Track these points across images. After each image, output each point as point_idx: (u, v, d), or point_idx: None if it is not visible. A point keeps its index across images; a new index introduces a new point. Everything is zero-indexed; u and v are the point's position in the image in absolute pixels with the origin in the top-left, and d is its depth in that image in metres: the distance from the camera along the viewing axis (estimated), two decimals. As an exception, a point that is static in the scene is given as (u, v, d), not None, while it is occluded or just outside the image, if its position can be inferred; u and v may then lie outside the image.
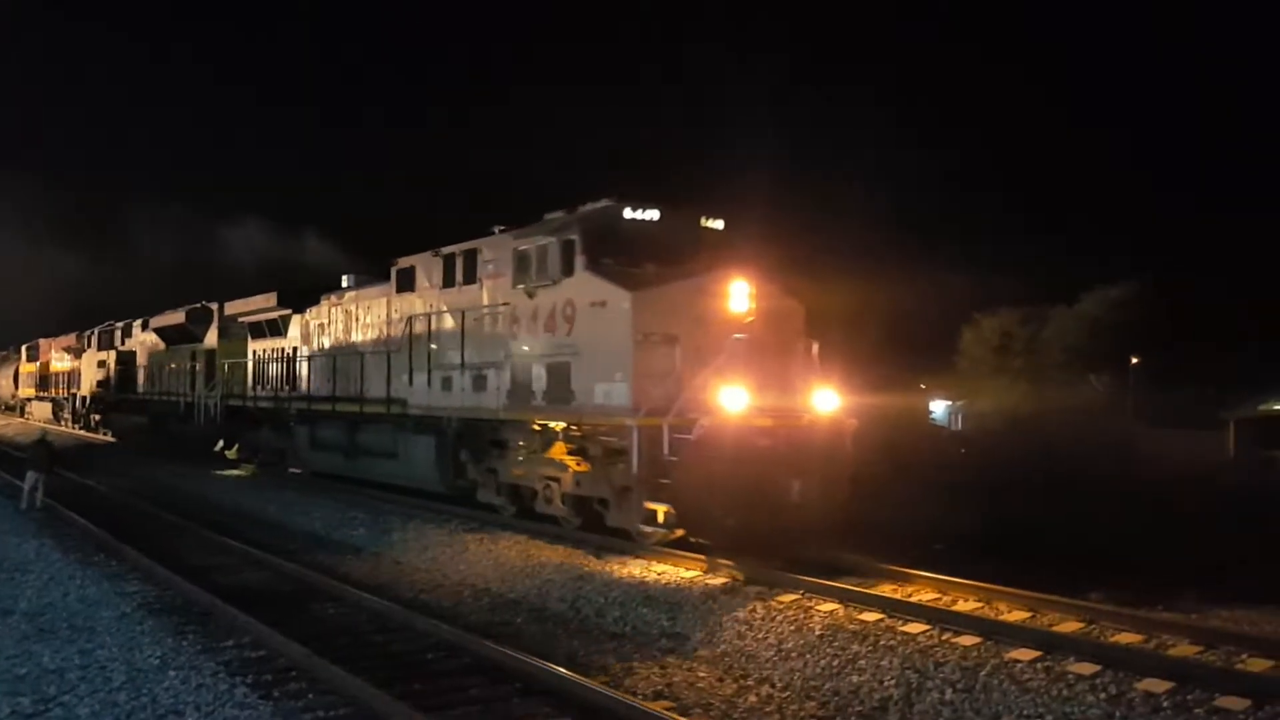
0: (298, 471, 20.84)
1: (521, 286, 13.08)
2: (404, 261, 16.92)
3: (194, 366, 26.94)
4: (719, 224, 12.86)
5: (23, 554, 12.28)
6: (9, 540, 13.25)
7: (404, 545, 13.26)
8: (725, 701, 7.33)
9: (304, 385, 20.11)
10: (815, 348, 11.50)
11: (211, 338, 26.10)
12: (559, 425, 12.64)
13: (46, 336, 50.29)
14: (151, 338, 31.01)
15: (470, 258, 14.93)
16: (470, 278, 14.89)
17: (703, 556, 10.93)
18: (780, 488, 10.61)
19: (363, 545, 13.57)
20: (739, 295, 11.47)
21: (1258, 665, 7.49)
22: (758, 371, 10.94)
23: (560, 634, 9.08)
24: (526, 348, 12.99)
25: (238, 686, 7.08)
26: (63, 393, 44.20)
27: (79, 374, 40.29)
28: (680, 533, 11.36)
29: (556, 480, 12.82)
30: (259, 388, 22.63)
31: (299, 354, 20.71)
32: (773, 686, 7.69)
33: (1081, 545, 12.43)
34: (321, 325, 19.91)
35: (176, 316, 27.46)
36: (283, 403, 20.64)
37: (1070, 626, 8.58)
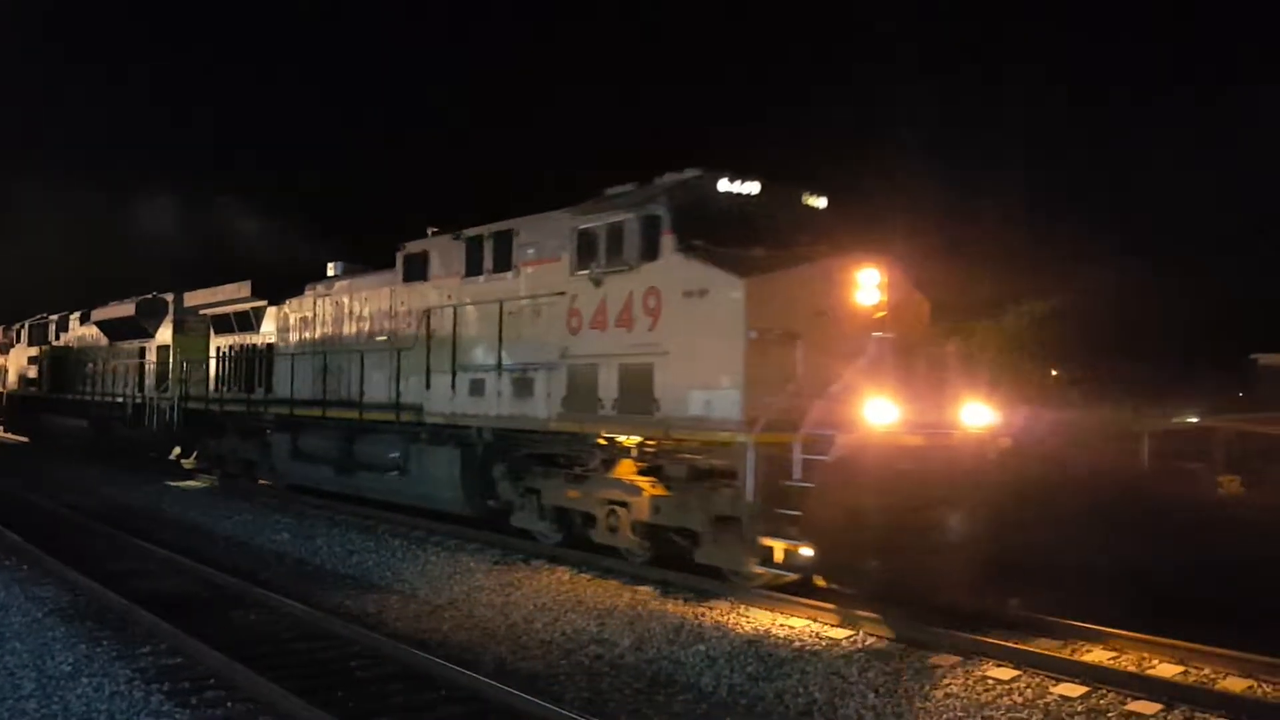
0: (265, 483, 18.32)
1: (585, 273, 10.92)
2: (414, 246, 14.62)
3: (144, 364, 24.14)
4: (822, 201, 10.87)
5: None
6: None
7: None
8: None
9: (283, 387, 17.61)
10: (955, 350, 9.53)
11: (165, 333, 23.33)
12: (632, 440, 10.51)
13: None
14: (92, 332, 27.98)
15: (503, 241, 12.72)
16: (503, 264, 12.68)
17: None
18: (933, 521, 8.64)
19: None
20: (869, 285, 9.49)
21: None
22: (902, 379, 8.95)
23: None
24: (590, 347, 10.83)
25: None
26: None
27: (5, 372, 36.79)
28: (791, 577, 9.31)
29: (624, 505, 10.66)
30: (223, 388, 20.01)
31: (276, 351, 18.19)
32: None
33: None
34: (305, 319, 17.45)
35: (124, 308, 24.58)
36: (255, 406, 18.10)
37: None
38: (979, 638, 8.05)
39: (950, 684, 7.21)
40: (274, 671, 7.16)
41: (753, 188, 10.35)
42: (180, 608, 9.19)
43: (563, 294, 11.30)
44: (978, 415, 9.23)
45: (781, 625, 8.76)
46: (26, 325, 33.48)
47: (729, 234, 10.00)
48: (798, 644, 8.20)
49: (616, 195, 10.98)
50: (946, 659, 7.77)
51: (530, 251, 12.28)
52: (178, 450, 21.26)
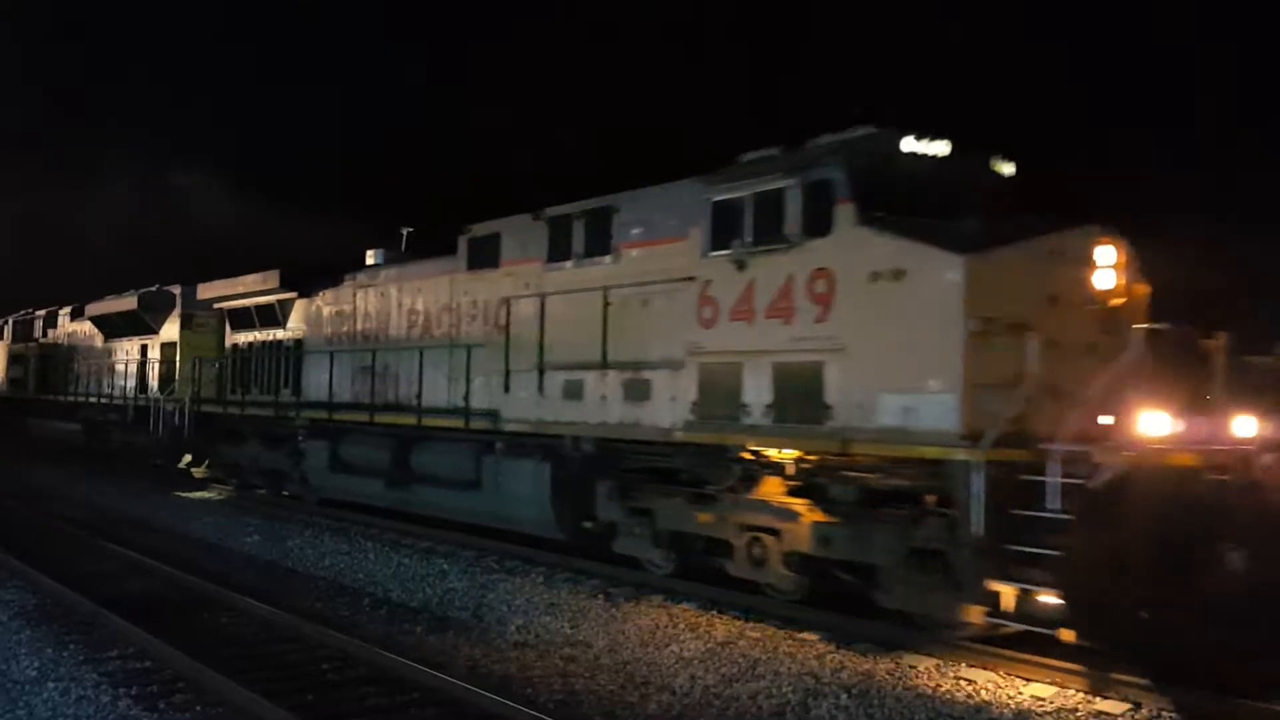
0: (288, 495, 16.35)
1: (723, 254, 9.09)
2: (482, 229, 12.75)
3: (146, 363, 22.06)
4: (1010, 167, 9.10)
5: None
6: None
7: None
8: None
9: (317, 388, 15.66)
10: (1223, 345, 7.74)
11: (171, 329, 21.26)
12: (788, 455, 8.69)
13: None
14: (85, 328, 25.83)
15: (598, 220, 10.90)
16: (598, 246, 10.86)
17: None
18: (1212, 560, 6.86)
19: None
20: (1106, 265, 7.71)
21: None
22: (1168, 383, 7.17)
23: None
24: (730, 341, 8.99)
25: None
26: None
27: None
28: (1011, 628, 7.50)
29: (774, 533, 8.83)
30: (240, 390, 18.01)
31: (306, 348, 16.24)
32: None
33: None
34: (342, 313, 15.51)
35: (124, 302, 22.46)
36: (284, 410, 16.13)
37: None
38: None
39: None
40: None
41: (942, 148, 8.57)
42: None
43: (690, 279, 9.46)
44: (1247, 427, 7.46)
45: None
46: (10, 321, 31.17)
47: (918, 204, 8.20)
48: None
49: (760, 160, 9.15)
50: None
51: (636, 231, 10.46)
52: (188, 458, 19.22)
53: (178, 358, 20.70)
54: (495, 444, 11.91)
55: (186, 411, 18.65)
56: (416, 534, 13.43)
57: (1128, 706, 6.64)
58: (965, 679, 7.22)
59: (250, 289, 17.53)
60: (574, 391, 10.80)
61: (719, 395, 9.07)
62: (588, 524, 10.91)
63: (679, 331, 9.56)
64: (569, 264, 11.29)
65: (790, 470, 8.69)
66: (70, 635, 8.35)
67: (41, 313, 29.05)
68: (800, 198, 8.48)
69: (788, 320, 8.50)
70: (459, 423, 12.32)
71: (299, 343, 16.58)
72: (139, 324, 22.05)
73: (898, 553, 7.84)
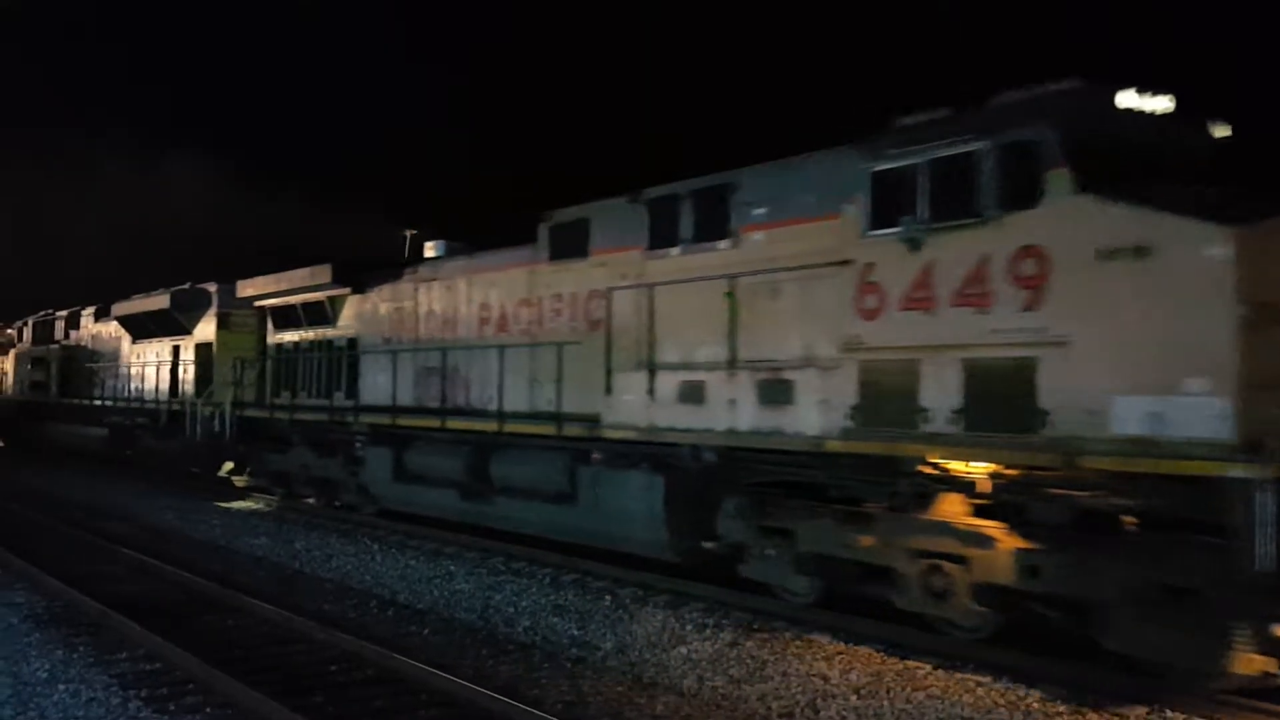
0: (341, 506, 15.08)
1: (890, 232, 7.77)
2: (566, 215, 11.48)
3: (178, 365, 20.84)
4: (1227, 130, 7.76)
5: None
6: None
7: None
8: None
9: (376, 391, 14.40)
10: None
11: (206, 328, 20.06)
12: (980, 468, 7.38)
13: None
14: (111, 329, 24.65)
15: (713, 201, 9.63)
16: (714, 230, 9.59)
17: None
18: None
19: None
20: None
21: None
22: None
23: None
24: (903, 335, 7.67)
25: None
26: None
27: (4, 375, 33.38)
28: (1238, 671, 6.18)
29: (959, 561, 7.52)
30: (286, 393, 16.76)
31: (362, 348, 14.97)
32: None
33: None
34: (403, 309, 14.23)
35: (154, 301, 21.24)
36: (340, 415, 14.85)
37: None
38: None
39: None
40: None
41: (1163, 104, 7.24)
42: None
43: (845, 263, 8.15)
44: None
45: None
46: (30, 323, 30.01)
47: (1135, 170, 6.88)
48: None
49: (934, 122, 7.83)
50: None
51: (761, 211, 9.18)
52: (229, 466, 17.97)
53: (214, 359, 19.49)
54: (592, 453, 10.62)
55: (227, 416, 17.39)
56: (422, 535, 13.34)
57: None
58: (975, 680, 7.00)
59: (297, 285, 16.25)
60: (693, 394, 9.50)
61: (888, 398, 7.75)
62: (708, 544, 9.62)
63: (828, 324, 8.25)
64: (675, 251, 10.02)
65: (983, 486, 7.37)
66: (79, 637, 8.39)
67: (63, 313, 27.88)
68: (996, 163, 7.15)
69: (983, 308, 7.18)
70: (549, 429, 11.03)
71: (352, 342, 15.30)
72: (171, 324, 20.83)
73: (1134, 588, 6.52)
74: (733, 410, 9.08)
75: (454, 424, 12.49)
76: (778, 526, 8.92)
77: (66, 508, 16.80)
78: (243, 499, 17.75)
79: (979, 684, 6.94)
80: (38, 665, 7.49)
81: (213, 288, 19.81)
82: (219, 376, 19.12)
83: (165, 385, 21.16)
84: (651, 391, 9.92)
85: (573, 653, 8.07)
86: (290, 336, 16.92)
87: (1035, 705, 6.54)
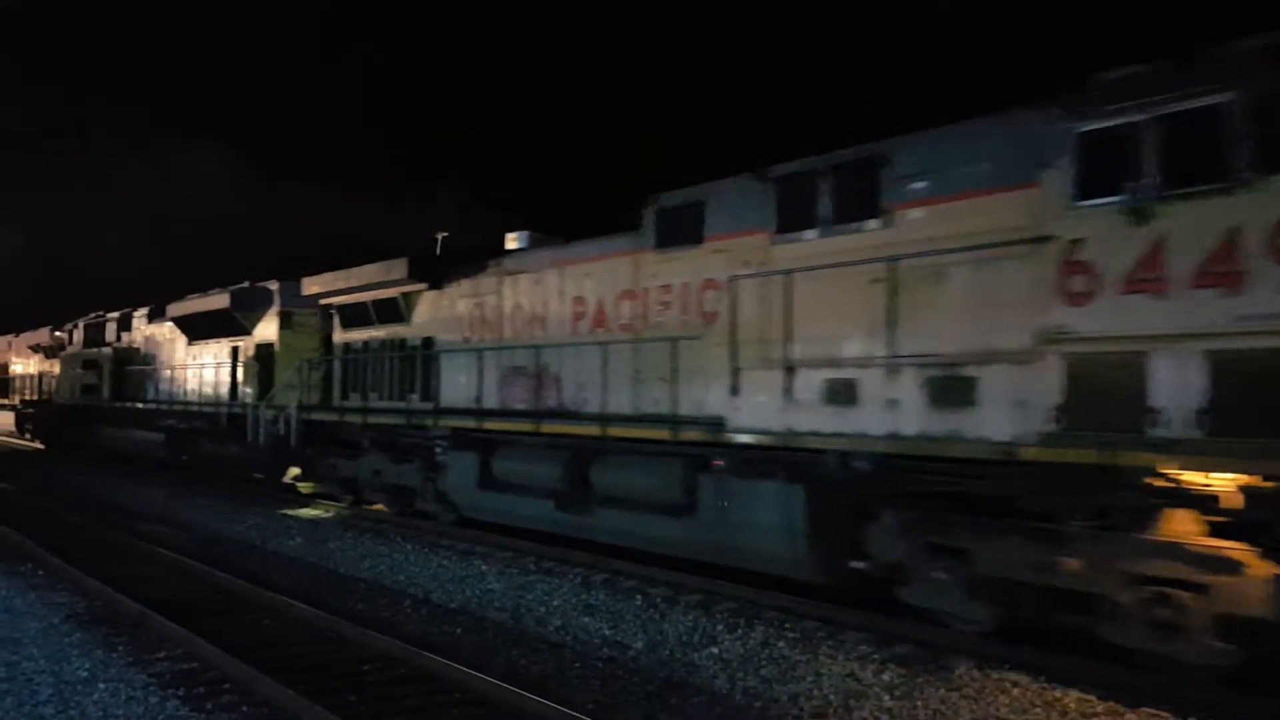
0: (416, 514, 14.11)
1: (1107, 201, 6.64)
2: (675, 198, 10.45)
3: (237, 367, 20.05)
4: None
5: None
6: None
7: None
8: None
9: (458, 392, 13.45)
10: None
11: (267, 328, 19.22)
12: (1225, 480, 6.22)
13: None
14: (165, 330, 23.93)
15: (859, 176, 8.55)
16: (862, 209, 8.51)
17: None
18: None
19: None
20: None
21: None
22: None
23: None
24: (1124, 323, 6.53)
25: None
26: (30, 399, 36.64)
27: (54, 378, 32.90)
28: None
29: (1196, 589, 6.35)
30: (355, 395, 15.87)
31: (440, 347, 14.02)
32: None
33: None
34: (484, 305, 13.27)
35: (212, 301, 20.45)
36: (418, 418, 13.89)
37: None
38: None
39: None
40: None
41: None
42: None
43: (1042, 240, 7.02)
44: None
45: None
46: (81, 325, 29.43)
47: None
48: None
49: (1153, 75, 6.68)
50: None
51: (920, 185, 8.08)
52: (295, 471, 17.08)
53: (276, 360, 18.64)
54: (714, 460, 9.55)
55: (293, 420, 16.52)
56: (454, 535, 13.26)
57: None
58: (1010, 679, 6.88)
59: (369, 281, 15.34)
60: (843, 394, 8.40)
61: (1104, 397, 6.61)
62: (856, 564, 8.51)
63: (1019, 311, 7.14)
64: (811, 234, 8.95)
65: (1230, 501, 6.22)
66: (118, 637, 8.42)
67: (114, 314, 27.27)
68: (1251, 118, 6.01)
69: (1233, 290, 6.03)
70: (662, 433, 9.97)
71: (428, 341, 14.36)
72: (229, 324, 20.02)
73: None
74: (894, 412, 7.98)
75: (549, 428, 11.48)
76: (949, 545, 7.79)
77: (112, 512, 16.45)
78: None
79: (1014, 684, 6.82)
80: (78, 665, 7.55)
81: (274, 286, 18.98)
82: (281, 378, 18.27)
83: (224, 388, 20.38)
84: (788, 391, 8.84)
85: (604, 652, 8.06)
86: (359, 335, 16.02)
87: (1072, 705, 6.40)
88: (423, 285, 14.32)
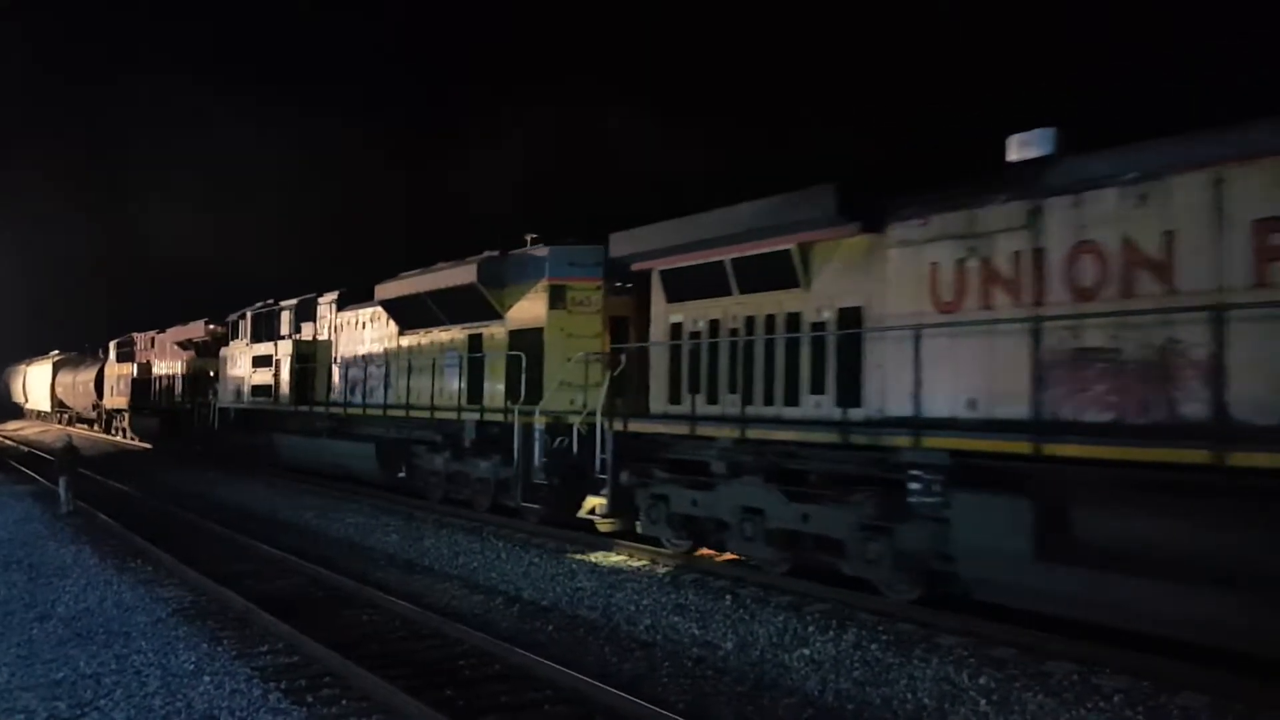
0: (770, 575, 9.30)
1: None
2: None
3: (484, 361, 15.48)
4: None
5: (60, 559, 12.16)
6: (48, 546, 13.10)
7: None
8: None
9: (937, 391, 8.45)
10: None
11: (530, 308, 14.48)
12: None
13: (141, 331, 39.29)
14: (365, 317, 19.68)
15: None
16: None
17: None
18: None
19: None
20: None
21: None
22: None
23: None
24: None
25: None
26: (179, 403, 33.06)
27: (212, 378, 29.17)
28: None
29: None
30: (695, 398, 11.06)
31: (874, 322, 9.04)
32: None
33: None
34: (984, 253, 8.27)
35: (446, 276, 15.88)
36: (874, 433, 8.92)
37: None
38: None
39: None
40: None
41: None
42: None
43: None
44: None
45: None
46: (248, 316, 25.38)
47: None
48: None
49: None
50: None
51: None
52: (595, 503, 12.33)
53: (545, 350, 13.99)
54: None
55: (604, 433, 11.77)
56: (546, 534, 13.08)
57: None
58: (1112, 685, 6.64)
59: (733, 230, 10.46)
60: None
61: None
62: None
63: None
64: None
65: None
66: (223, 631, 8.58)
67: (290, 302, 23.13)
68: None
69: None
70: None
71: (850, 314, 9.44)
72: (470, 305, 15.42)
73: None
74: None
75: (1248, 459, 6.33)
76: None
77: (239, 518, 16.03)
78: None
79: (1116, 690, 6.56)
80: (185, 658, 7.67)
81: (543, 251, 14.27)
82: (553, 375, 13.63)
83: (457, 388, 15.87)
84: None
85: (694, 652, 8.05)
86: (705, 311, 11.19)
87: (1176, 713, 6.20)
88: (851, 228, 9.34)
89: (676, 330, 11.60)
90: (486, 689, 6.94)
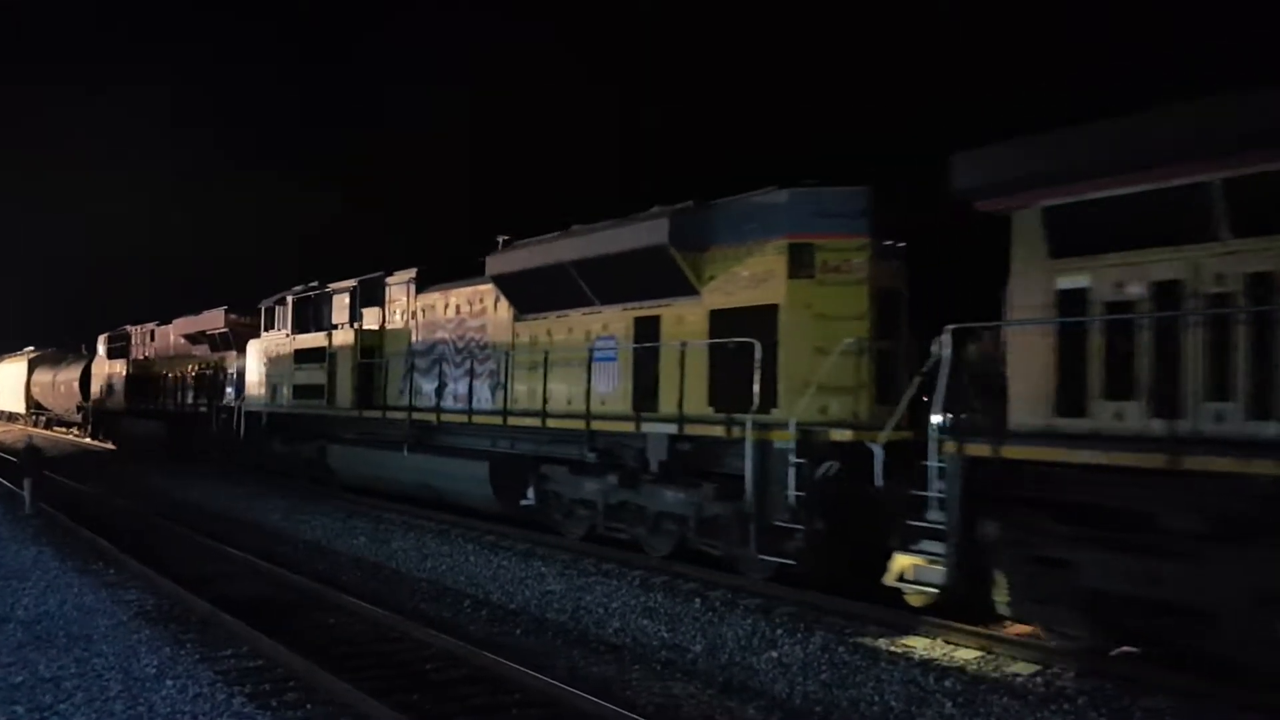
0: None
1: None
2: None
3: (660, 353, 11.23)
4: None
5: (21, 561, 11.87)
6: (8, 548, 12.73)
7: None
8: None
9: None
10: None
11: (754, 275, 10.20)
12: None
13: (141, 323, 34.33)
14: (459, 299, 15.42)
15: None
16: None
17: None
18: None
19: None
20: None
21: None
22: None
23: None
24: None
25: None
26: (190, 405, 28.33)
27: (233, 376, 24.66)
28: None
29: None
30: (1103, 404, 6.87)
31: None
32: None
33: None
34: None
35: (615, 238, 11.55)
36: None
37: None
38: None
39: None
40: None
41: None
42: None
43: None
44: None
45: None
46: (289, 301, 20.88)
47: None
48: None
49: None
50: None
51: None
52: (904, 563, 8.06)
53: (781, 338, 9.78)
54: None
55: (952, 459, 7.56)
56: (515, 536, 12.87)
57: None
58: (1077, 688, 6.61)
59: (1224, 133, 6.31)
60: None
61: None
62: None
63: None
64: None
65: None
66: (186, 634, 8.47)
67: (347, 284, 18.76)
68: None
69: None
70: None
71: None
72: (644, 278, 11.15)
73: None
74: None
75: None
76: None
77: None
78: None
79: (1080, 692, 6.55)
80: (147, 661, 7.55)
81: (780, 196, 10.01)
82: (795, 372, 9.45)
83: (625, 389, 11.61)
84: None
85: (663, 655, 8.03)
86: (1147, 270, 7.01)
87: (1140, 715, 6.18)
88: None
89: (1070, 300, 7.43)
90: (455, 692, 6.96)
